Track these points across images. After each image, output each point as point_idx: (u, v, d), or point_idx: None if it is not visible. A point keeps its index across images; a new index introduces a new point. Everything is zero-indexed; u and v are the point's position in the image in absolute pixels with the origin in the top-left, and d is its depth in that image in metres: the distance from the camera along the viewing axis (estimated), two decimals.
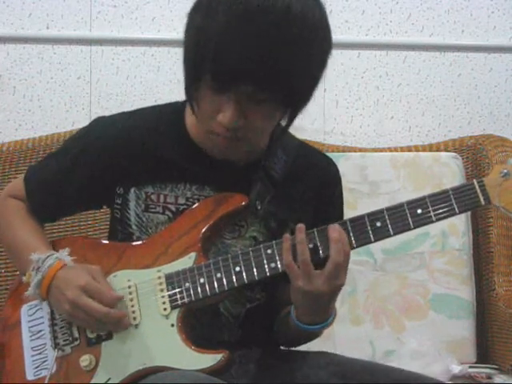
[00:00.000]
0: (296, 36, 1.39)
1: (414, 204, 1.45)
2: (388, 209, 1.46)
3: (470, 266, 2.44)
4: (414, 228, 1.46)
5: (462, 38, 2.74)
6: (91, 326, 1.52)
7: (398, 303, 2.41)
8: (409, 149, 2.59)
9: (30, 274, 1.54)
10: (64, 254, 1.56)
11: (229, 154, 1.55)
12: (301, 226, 1.46)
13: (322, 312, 1.49)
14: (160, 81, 2.64)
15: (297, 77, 1.43)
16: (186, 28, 1.48)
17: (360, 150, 2.59)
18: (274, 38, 1.37)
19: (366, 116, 2.73)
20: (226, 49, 1.38)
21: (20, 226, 1.66)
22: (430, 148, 2.59)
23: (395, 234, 1.46)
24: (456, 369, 2.26)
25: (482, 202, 1.44)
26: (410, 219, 1.45)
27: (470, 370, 2.30)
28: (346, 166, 2.45)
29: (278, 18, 1.37)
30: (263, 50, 1.37)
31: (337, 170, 1.72)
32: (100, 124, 1.68)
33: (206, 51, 1.39)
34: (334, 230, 1.44)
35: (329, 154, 2.45)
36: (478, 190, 1.44)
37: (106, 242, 1.68)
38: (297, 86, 1.44)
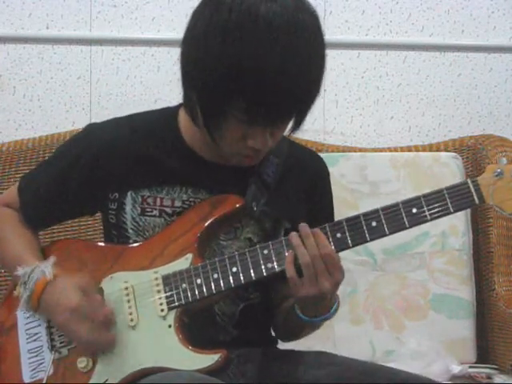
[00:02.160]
0: (318, 51, 1.43)
1: (409, 203, 1.46)
2: (383, 208, 1.47)
3: (470, 266, 2.44)
4: (410, 227, 1.47)
5: (462, 38, 2.74)
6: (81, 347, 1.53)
7: (397, 303, 2.40)
8: (409, 149, 2.58)
9: (19, 289, 1.54)
10: (48, 266, 1.54)
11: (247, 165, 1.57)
12: (303, 225, 1.47)
13: (325, 305, 1.50)
14: (160, 81, 2.63)
15: (316, 90, 1.46)
16: (194, 53, 1.44)
17: (360, 149, 2.58)
18: (304, 61, 1.39)
19: (366, 116, 2.72)
20: (265, 87, 1.37)
21: (11, 235, 1.66)
22: (430, 148, 2.58)
23: (391, 233, 1.47)
24: (456, 369, 2.26)
25: (477, 201, 1.45)
26: (405, 218, 1.46)
27: (470, 369, 2.30)
28: (345, 165, 2.45)
29: (301, 38, 1.38)
30: (301, 80, 1.39)
31: (325, 166, 1.73)
32: (93, 130, 1.67)
33: (239, 86, 1.38)
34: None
35: (329, 154, 2.50)
36: (473, 190, 1.45)
37: (102, 244, 1.68)
38: (314, 98, 1.47)
